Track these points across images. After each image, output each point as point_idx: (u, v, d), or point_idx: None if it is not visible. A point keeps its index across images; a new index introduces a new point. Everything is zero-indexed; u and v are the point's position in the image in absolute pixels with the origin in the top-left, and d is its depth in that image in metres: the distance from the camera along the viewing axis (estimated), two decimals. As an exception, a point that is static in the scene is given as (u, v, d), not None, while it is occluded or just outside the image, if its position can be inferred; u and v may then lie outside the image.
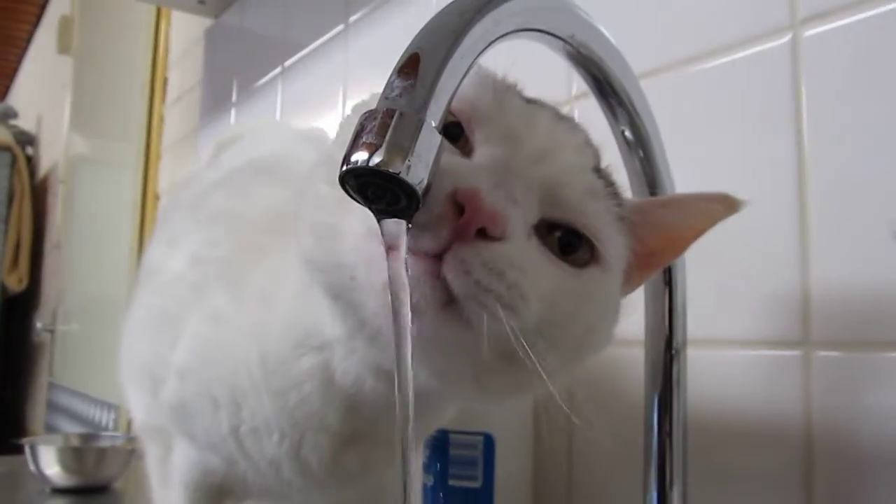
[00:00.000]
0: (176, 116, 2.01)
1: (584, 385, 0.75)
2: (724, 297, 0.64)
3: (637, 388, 0.58)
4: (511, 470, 0.73)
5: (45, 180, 3.63)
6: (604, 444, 0.74)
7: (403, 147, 0.30)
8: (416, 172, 0.30)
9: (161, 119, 2.09)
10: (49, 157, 3.60)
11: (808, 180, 0.60)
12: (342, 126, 0.44)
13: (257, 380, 0.49)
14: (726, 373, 0.64)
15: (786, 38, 0.62)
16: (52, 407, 2.85)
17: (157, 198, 2.05)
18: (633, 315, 0.57)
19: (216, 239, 0.58)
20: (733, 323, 0.64)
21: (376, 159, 0.30)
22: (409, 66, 0.33)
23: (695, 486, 0.57)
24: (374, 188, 0.31)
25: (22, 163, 3.62)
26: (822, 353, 0.58)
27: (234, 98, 1.63)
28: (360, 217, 0.37)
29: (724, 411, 0.64)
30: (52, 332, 2.93)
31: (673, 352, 0.57)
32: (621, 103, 0.49)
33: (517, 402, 0.72)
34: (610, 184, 0.43)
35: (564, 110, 0.79)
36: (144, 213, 2.08)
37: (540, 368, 0.37)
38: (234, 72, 1.65)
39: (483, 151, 0.39)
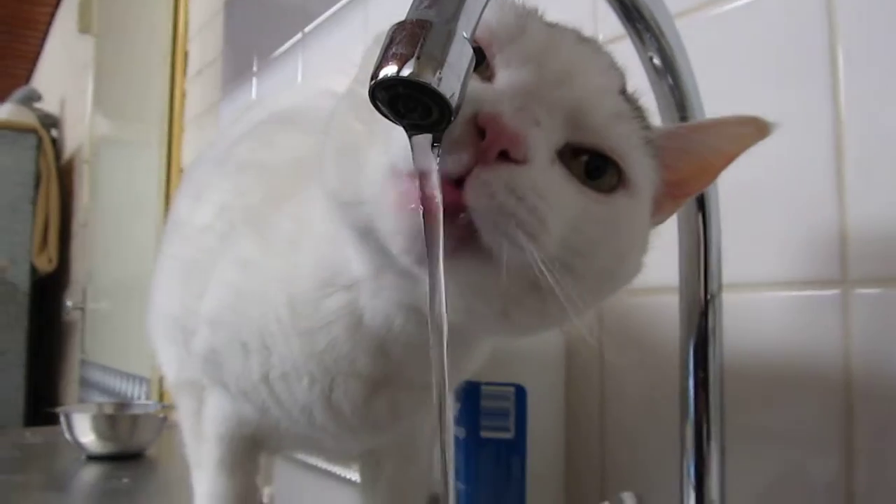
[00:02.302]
0: (198, 90, 2.01)
1: (618, 334, 0.75)
2: (760, 239, 0.63)
3: (672, 336, 0.58)
4: (543, 421, 0.73)
5: (70, 161, 3.65)
6: (636, 394, 0.73)
7: (435, 57, 0.29)
8: (449, 83, 0.29)
9: (183, 93, 2.09)
10: (73, 138, 3.62)
11: (844, 115, 0.58)
12: (364, 57, 0.44)
13: (286, 322, 0.49)
14: (763, 316, 0.63)
15: (821, -28, 0.61)
16: (85, 383, 2.90)
17: (181, 173, 2.06)
18: (668, 262, 0.57)
19: (242, 188, 0.57)
20: (769, 265, 0.63)
21: (407, 70, 0.29)
22: (439, -20, 0.32)
23: (732, 436, 0.56)
24: (405, 101, 0.30)
25: (47, 145, 3.65)
26: (861, 290, 0.57)
27: (255, 68, 1.63)
28: (383, 150, 0.36)
29: (761, 356, 0.63)
30: (82, 310, 2.96)
31: (708, 297, 0.55)
32: (648, 28, 0.48)
33: (547, 336, 0.72)
34: (637, 107, 0.42)
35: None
36: (169, 189, 2.08)
37: (563, 296, 0.36)
38: (254, 42, 1.65)
39: (504, 75, 0.38)
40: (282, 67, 1.51)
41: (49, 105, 4.01)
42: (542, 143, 0.36)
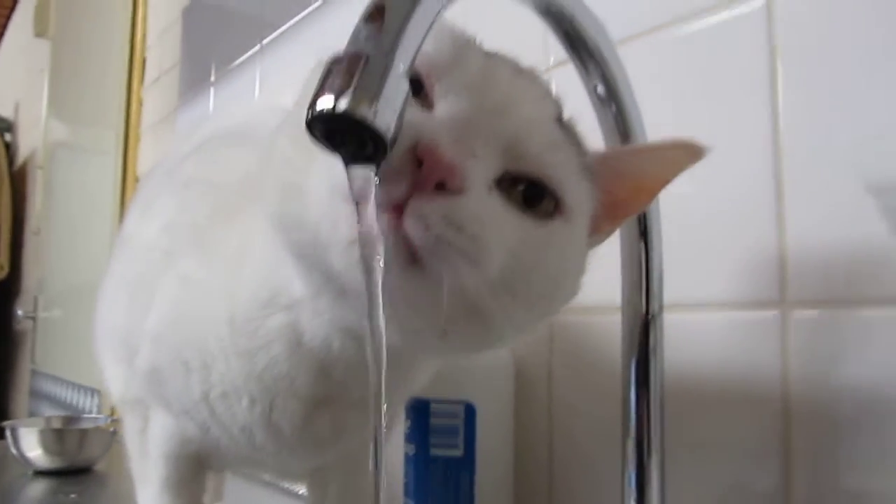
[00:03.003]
0: (155, 98, 1.99)
1: (566, 352, 0.76)
2: (700, 260, 0.64)
3: (617, 355, 0.59)
4: (493, 439, 0.73)
5: (24, 166, 3.58)
6: (584, 411, 0.74)
7: (371, 91, 0.30)
8: (384, 117, 0.30)
9: (140, 101, 2.07)
10: (27, 143, 3.55)
11: (783, 139, 0.60)
12: (305, 83, 0.44)
13: (226, 341, 0.49)
14: (703, 337, 0.64)
15: (761, 2, 0.62)
16: (35, 394, 2.83)
17: (136, 181, 2.03)
18: (614, 281, 0.58)
19: (188, 205, 0.57)
20: (710, 285, 0.64)
21: (343, 103, 0.29)
22: (377, 12, 0.32)
23: (673, 453, 0.57)
24: (342, 135, 0.31)
25: (0, 149, 3.58)
26: (800, 312, 0.58)
27: (212, 77, 1.61)
28: (324, 174, 0.37)
29: (702, 376, 0.64)
30: (33, 319, 2.90)
31: (650, 316, 0.57)
32: (592, 57, 0.49)
33: (496, 354, 0.72)
34: (573, 134, 0.43)
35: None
36: (124, 198, 2.05)
37: (501, 319, 0.37)
38: (212, 51, 1.63)
39: (443, 105, 0.39)
40: (239, 77, 1.50)
41: (3, 109, 3.93)
42: (479, 172, 0.37)
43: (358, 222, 0.32)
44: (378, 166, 0.32)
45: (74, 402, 2.29)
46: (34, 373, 2.88)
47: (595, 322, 0.72)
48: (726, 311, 0.63)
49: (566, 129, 0.43)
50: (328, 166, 0.36)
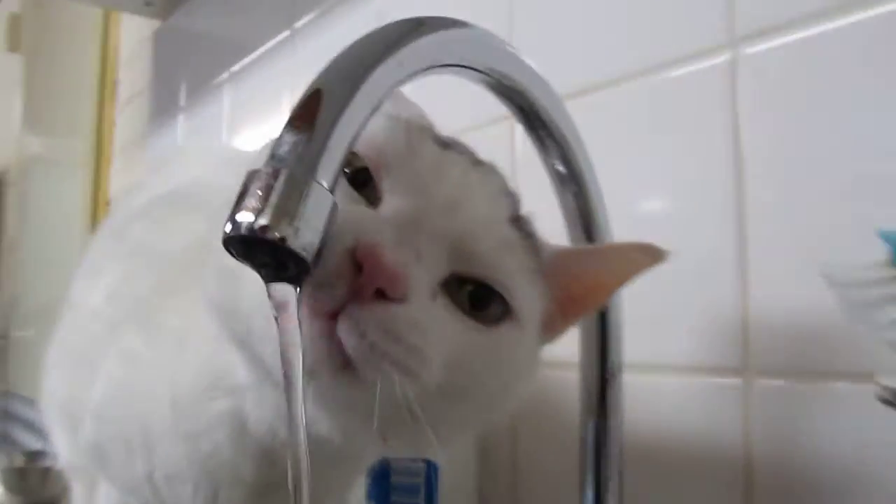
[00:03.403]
0: (127, 119, 1.96)
1: (528, 408, 0.74)
2: (662, 321, 0.63)
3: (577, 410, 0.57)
4: (455, 498, 0.72)
5: (-2, 181, 3.53)
6: (550, 469, 0.73)
7: (289, 211, 0.28)
8: (304, 237, 0.28)
9: (112, 122, 2.04)
10: (1, 158, 3.51)
11: (748, 202, 0.59)
12: (255, 159, 0.42)
13: (169, 424, 0.47)
14: (664, 399, 0.63)
15: (724, 57, 0.61)
16: (8, 416, 2.78)
17: (107, 203, 2.00)
18: (568, 337, 0.56)
19: (133, 275, 0.55)
20: (671, 348, 0.63)
21: (260, 223, 0.28)
22: (301, 118, 0.30)
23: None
24: (261, 253, 0.29)
25: (-27, 164, 3.52)
26: (763, 381, 0.57)
27: (182, 102, 1.59)
28: None
29: (663, 438, 0.63)
30: (6, 338, 2.85)
31: (608, 376, 0.55)
32: (550, 135, 0.47)
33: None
34: (527, 234, 0.41)
35: (505, 125, 0.78)
36: (96, 217, 2.02)
37: (430, 430, 0.35)
38: (182, 75, 1.61)
39: (389, 202, 0.37)
40: (209, 103, 1.48)
41: (-24, 122, 3.88)
42: (422, 277, 0.35)
43: (279, 333, 0.31)
44: (300, 286, 0.30)
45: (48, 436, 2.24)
46: (7, 394, 2.83)
47: (560, 377, 0.71)
48: (688, 376, 0.61)
49: (521, 228, 0.41)
50: None
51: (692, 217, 0.61)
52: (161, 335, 0.50)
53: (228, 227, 0.28)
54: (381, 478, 0.71)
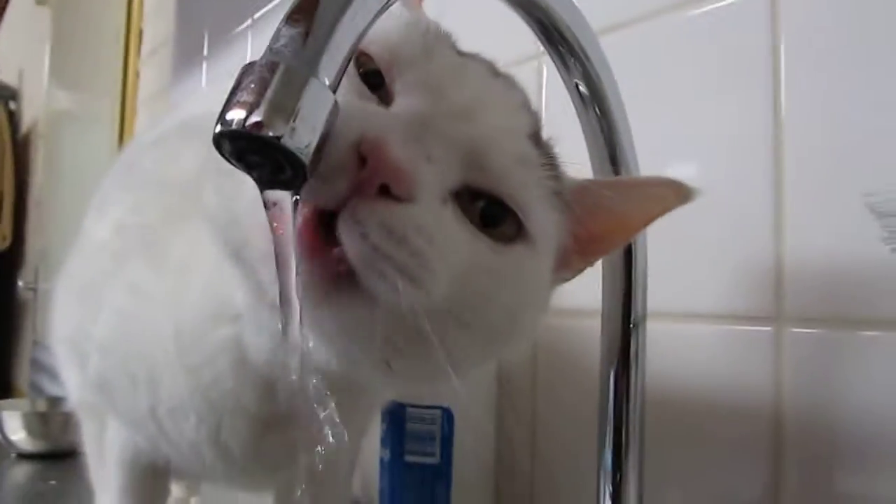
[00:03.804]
0: (151, 70, 1.95)
1: (550, 356, 0.72)
2: (692, 268, 0.60)
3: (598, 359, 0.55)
4: (471, 446, 0.70)
5: (27, 135, 3.55)
6: (569, 417, 0.71)
7: (286, 107, 0.26)
8: (301, 137, 0.26)
9: (136, 73, 2.03)
10: (31, 111, 3.52)
11: (785, 146, 0.56)
12: None
13: (172, 355, 0.45)
14: (691, 349, 0.60)
15: (764, -12, 0.57)
16: (36, 366, 2.83)
17: (133, 154, 2.00)
18: (592, 284, 0.54)
19: (141, 205, 0.53)
20: (701, 296, 0.60)
21: (253, 120, 0.25)
22: (301, 11, 0.28)
23: (658, 464, 0.54)
24: (254, 153, 0.26)
25: (2, 118, 3.53)
26: (795, 329, 0.54)
27: (205, 52, 1.57)
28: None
29: (692, 387, 0.61)
30: (34, 290, 2.88)
31: (631, 325, 0.53)
32: (573, 53, 0.44)
33: (439, 391, 0.69)
34: (548, 154, 0.38)
35: (532, 66, 0.75)
36: (121, 171, 2.02)
37: (443, 353, 0.32)
38: (205, 24, 1.59)
39: (401, 102, 0.34)
40: (232, 52, 1.46)
41: (7, 76, 3.89)
42: (432, 180, 0.33)
43: (274, 245, 0.28)
44: (297, 191, 0.28)
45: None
46: (36, 344, 2.87)
47: (582, 325, 0.69)
48: (717, 323, 0.59)
49: (541, 148, 0.38)
50: None
51: (726, 159, 0.58)
52: (166, 265, 0.48)
53: (219, 125, 0.26)
54: (397, 425, 0.70)
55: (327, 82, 0.27)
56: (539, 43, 0.74)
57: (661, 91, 0.63)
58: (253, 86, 0.26)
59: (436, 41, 0.38)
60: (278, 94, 0.26)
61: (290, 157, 0.26)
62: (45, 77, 2.99)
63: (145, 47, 2.00)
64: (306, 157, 0.26)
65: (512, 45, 0.70)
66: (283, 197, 0.28)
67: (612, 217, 0.42)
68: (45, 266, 2.83)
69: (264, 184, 0.27)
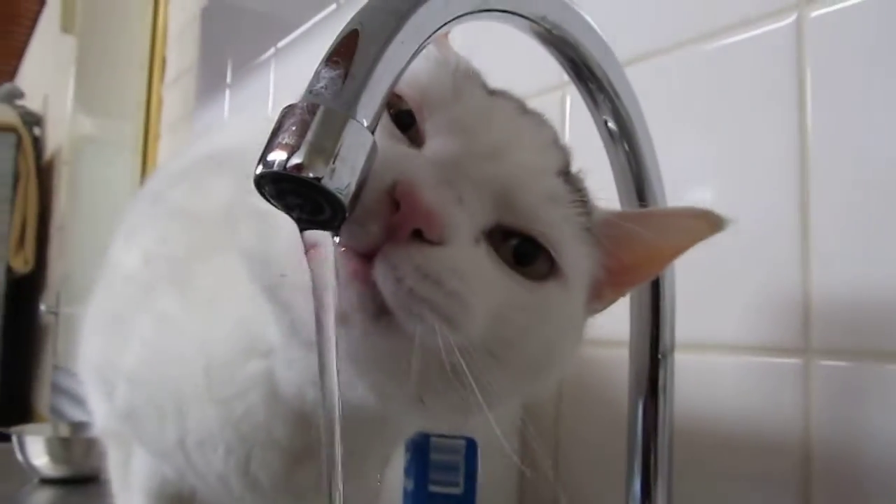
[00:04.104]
0: (175, 96, 1.97)
1: (574, 387, 0.72)
2: (720, 299, 0.60)
3: (625, 390, 0.55)
4: (495, 476, 0.70)
5: (51, 161, 3.60)
6: (593, 450, 0.70)
7: (326, 148, 0.26)
8: (341, 178, 0.26)
9: (160, 99, 2.06)
10: (55, 137, 3.57)
11: (812, 175, 0.55)
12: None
13: (201, 387, 0.46)
14: (721, 380, 0.60)
15: (790, 19, 0.58)
16: (57, 390, 2.84)
17: (155, 180, 2.02)
18: (622, 313, 0.54)
19: (170, 236, 0.54)
20: (729, 327, 0.60)
21: (294, 161, 0.26)
22: (340, 54, 0.28)
23: (684, 496, 0.53)
24: (294, 195, 0.27)
25: (27, 143, 3.59)
26: (824, 362, 0.54)
27: (228, 79, 1.59)
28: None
29: (719, 419, 0.60)
30: (56, 314, 2.91)
31: (659, 356, 0.53)
32: (602, 90, 0.45)
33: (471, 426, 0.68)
34: (578, 190, 0.39)
35: (555, 96, 0.75)
36: (143, 196, 2.04)
37: (477, 390, 0.33)
38: (228, 52, 1.61)
39: (432, 143, 0.35)
40: (255, 80, 1.47)
41: (33, 103, 3.96)
42: (463, 222, 0.33)
43: (310, 270, 0.29)
44: (336, 231, 0.28)
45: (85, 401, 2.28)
46: (56, 368, 2.89)
47: (607, 355, 0.68)
48: (746, 354, 0.58)
49: (571, 183, 0.38)
50: None
51: (752, 189, 0.58)
52: (195, 297, 0.49)
53: (260, 166, 0.26)
54: (421, 455, 0.69)
55: (366, 123, 0.27)
56: (563, 74, 0.75)
57: (687, 121, 0.64)
58: (294, 128, 0.26)
59: (465, 80, 0.38)
60: (318, 136, 0.26)
61: (329, 198, 0.26)
62: (70, 103, 3.04)
63: (169, 74, 2.03)
64: (346, 197, 0.26)
65: (536, 76, 0.71)
66: (322, 237, 0.28)
67: (644, 248, 0.42)
68: (66, 290, 2.86)
69: (304, 224, 0.28)
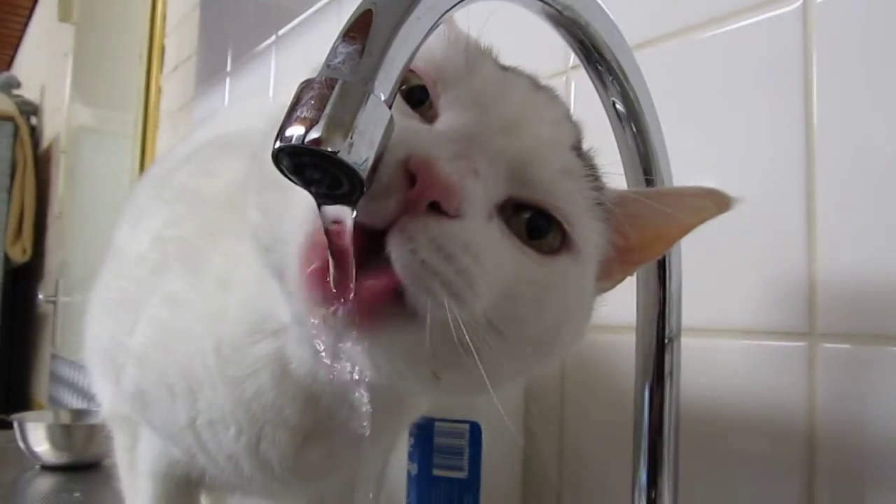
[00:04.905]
0: (174, 86, 1.97)
1: (578, 372, 0.72)
2: (726, 284, 0.60)
3: (633, 374, 0.55)
4: (499, 460, 0.70)
5: (48, 150, 3.59)
6: (598, 434, 0.71)
7: (344, 122, 0.26)
8: (359, 151, 0.26)
9: (159, 88, 2.05)
10: (52, 126, 3.56)
11: (817, 159, 0.56)
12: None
13: (212, 368, 0.46)
14: (726, 363, 0.60)
15: (796, 4, 0.58)
16: (55, 378, 2.85)
17: (154, 169, 2.02)
18: (628, 299, 0.54)
19: (178, 218, 0.54)
20: (735, 311, 0.60)
21: (312, 135, 0.26)
22: (357, 30, 0.28)
23: (690, 479, 0.54)
24: (312, 169, 0.27)
25: (24, 133, 3.58)
26: (828, 345, 0.54)
27: (228, 67, 1.59)
28: (306, 199, 0.33)
29: (724, 403, 0.60)
30: (54, 303, 2.91)
31: (666, 340, 0.53)
32: (611, 71, 0.45)
33: (470, 404, 0.68)
34: (590, 165, 0.39)
35: (561, 80, 0.75)
36: (142, 185, 2.04)
37: (482, 366, 0.33)
38: (228, 41, 1.61)
39: (447, 118, 0.35)
40: (255, 68, 1.47)
41: (29, 92, 3.95)
42: (479, 195, 0.33)
43: (329, 248, 0.29)
44: (354, 205, 0.28)
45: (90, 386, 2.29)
46: (54, 357, 2.89)
47: (611, 341, 0.69)
48: (751, 338, 0.58)
49: (583, 159, 0.39)
50: None
51: (758, 174, 0.58)
52: (204, 278, 0.49)
53: (279, 141, 0.26)
54: (425, 439, 0.70)
55: (383, 97, 0.27)
56: (568, 58, 0.75)
57: (694, 106, 0.64)
58: (312, 102, 0.26)
59: (478, 56, 0.38)
60: (337, 110, 0.26)
61: (348, 172, 0.26)
62: (67, 92, 3.03)
63: (168, 63, 2.02)
64: (364, 171, 0.26)
65: (541, 60, 0.70)
66: (341, 211, 0.28)
67: (653, 226, 0.42)
68: (64, 279, 2.86)
69: (321, 199, 0.28)
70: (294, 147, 0.26)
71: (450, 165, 0.31)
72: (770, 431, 0.57)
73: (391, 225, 0.31)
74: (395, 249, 0.31)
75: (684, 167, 0.52)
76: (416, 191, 0.30)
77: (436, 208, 0.31)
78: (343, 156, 0.26)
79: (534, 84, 0.39)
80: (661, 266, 0.52)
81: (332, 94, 0.26)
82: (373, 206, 0.30)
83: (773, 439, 0.57)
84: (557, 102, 0.40)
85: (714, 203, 0.41)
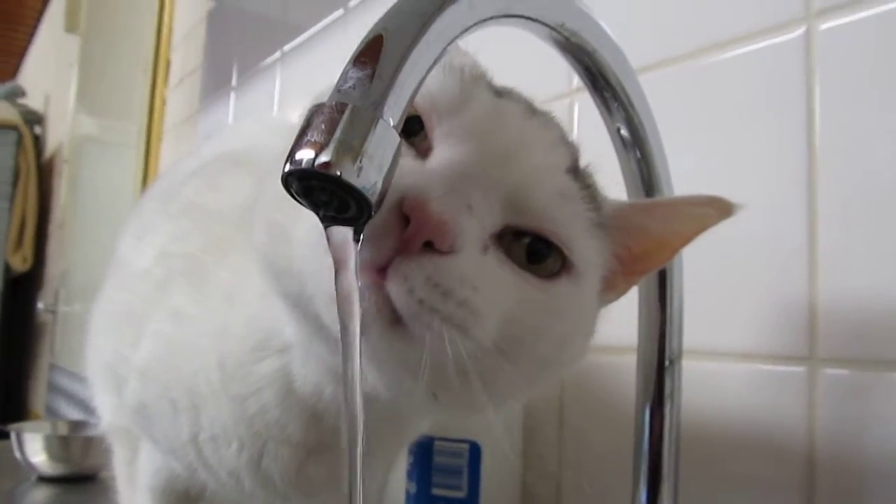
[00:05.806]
0: (178, 98, 1.98)
1: (577, 392, 0.72)
2: (727, 307, 0.60)
3: (632, 396, 0.55)
4: (498, 480, 0.70)
5: (51, 159, 3.60)
6: (597, 455, 0.71)
7: (354, 146, 0.27)
8: (368, 176, 0.27)
9: (163, 101, 2.06)
10: (56, 136, 3.57)
11: (819, 184, 0.56)
12: (301, 116, 0.41)
13: (216, 384, 0.46)
14: (726, 386, 0.60)
15: (799, 31, 0.58)
16: (53, 388, 2.84)
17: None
18: (628, 321, 0.54)
19: (184, 233, 0.55)
20: (736, 334, 0.60)
21: (322, 159, 0.26)
22: (367, 55, 0.29)
23: (689, 501, 0.54)
24: (321, 192, 0.27)
25: (28, 141, 3.59)
26: (829, 370, 0.54)
27: (233, 82, 1.60)
28: (311, 220, 0.33)
29: (724, 425, 0.60)
30: (53, 312, 2.91)
31: (667, 363, 0.53)
32: (616, 98, 0.45)
33: (471, 424, 0.69)
34: (587, 185, 0.39)
35: (564, 103, 0.76)
36: (145, 197, 2.04)
37: (484, 388, 0.34)
38: (234, 55, 1.62)
39: (441, 152, 0.36)
40: (260, 83, 1.48)
41: (34, 101, 3.96)
42: (473, 230, 0.34)
43: (336, 282, 0.29)
44: (361, 228, 0.28)
45: (90, 398, 2.28)
46: (53, 367, 2.88)
47: (612, 362, 0.69)
48: (752, 362, 0.59)
49: (580, 179, 0.39)
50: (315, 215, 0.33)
51: (760, 198, 0.59)
52: (209, 294, 0.49)
53: (289, 164, 0.27)
54: (424, 458, 0.70)
55: (392, 123, 0.28)
56: (571, 82, 0.75)
57: (697, 130, 0.64)
58: (322, 126, 0.27)
59: (473, 85, 0.39)
60: (347, 134, 0.27)
61: (356, 196, 0.27)
62: (72, 102, 3.04)
63: (173, 76, 2.03)
64: (373, 195, 0.27)
65: (544, 83, 0.71)
66: (348, 235, 0.28)
67: (654, 236, 0.42)
68: (65, 289, 2.86)
69: (329, 221, 0.28)
70: (304, 171, 0.26)
71: (442, 204, 0.32)
72: (770, 455, 0.57)
73: (389, 264, 0.32)
74: (394, 290, 0.32)
75: (687, 191, 0.52)
76: (410, 231, 0.31)
77: (430, 246, 0.32)
78: (352, 180, 0.26)
79: (529, 109, 0.40)
80: (663, 288, 0.52)
81: (342, 118, 0.27)
82: (371, 247, 0.31)
83: (774, 463, 0.57)
84: (552, 126, 0.40)
85: (716, 210, 0.42)
